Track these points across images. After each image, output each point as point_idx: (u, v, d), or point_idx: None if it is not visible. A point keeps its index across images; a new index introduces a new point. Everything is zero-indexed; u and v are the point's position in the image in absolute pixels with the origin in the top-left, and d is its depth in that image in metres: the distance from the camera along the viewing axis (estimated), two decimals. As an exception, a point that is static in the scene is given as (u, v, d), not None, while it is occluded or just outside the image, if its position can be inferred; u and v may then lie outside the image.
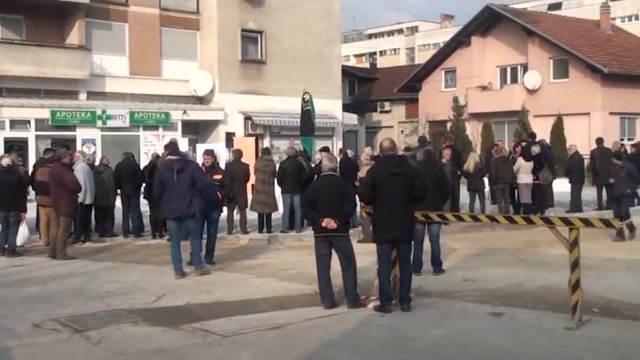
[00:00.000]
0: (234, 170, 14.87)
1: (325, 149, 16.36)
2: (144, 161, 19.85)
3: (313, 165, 15.82)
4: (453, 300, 8.45)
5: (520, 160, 16.55)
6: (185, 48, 28.92)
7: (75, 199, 12.60)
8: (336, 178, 8.41)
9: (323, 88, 29.42)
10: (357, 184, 12.39)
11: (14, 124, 24.17)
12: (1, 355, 6.58)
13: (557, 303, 7.94)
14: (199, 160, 15.64)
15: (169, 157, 10.85)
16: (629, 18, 58.03)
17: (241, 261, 11.85)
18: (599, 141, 18.90)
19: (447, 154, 14.53)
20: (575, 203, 17.47)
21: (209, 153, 12.42)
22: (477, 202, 16.82)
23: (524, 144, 18.03)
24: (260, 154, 16.90)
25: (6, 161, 13.13)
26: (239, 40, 29.18)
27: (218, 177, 11.97)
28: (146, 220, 14.96)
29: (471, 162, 16.78)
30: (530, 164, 16.43)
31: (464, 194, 16.76)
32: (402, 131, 41.19)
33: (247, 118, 29.12)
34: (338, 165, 8.89)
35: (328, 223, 7.89)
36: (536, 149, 17.10)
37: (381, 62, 67.60)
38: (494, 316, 7.64)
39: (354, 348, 6.58)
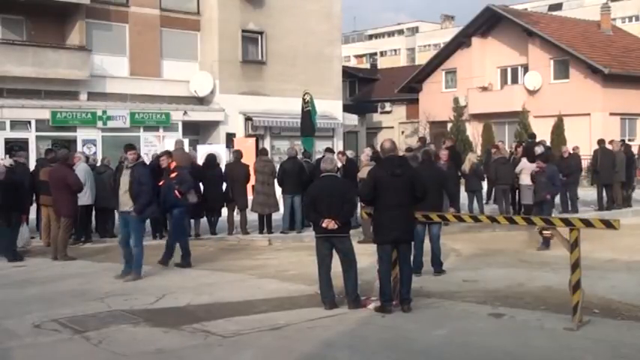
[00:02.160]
0: (233, 171, 14.89)
1: (329, 150, 16.35)
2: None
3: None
4: (453, 301, 8.46)
5: (524, 161, 16.51)
6: (185, 49, 28.91)
7: (76, 199, 12.61)
8: (336, 178, 8.43)
9: (323, 89, 29.39)
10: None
11: (15, 124, 24.15)
12: (1, 356, 6.59)
13: (557, 304, 7.94)
14: (199, 161, 15.72)
15: (142, 159, 10.81)
16: (630, 19, 58.07)
17: (241, 262, 11.85)
18: (601, 142, 18.90)
19: (444, 155, 14.49)
20: (573, 203, 17.49)
21: (165, 154, 12.23)
22: (476, 203, 16.81)
23: (524, 144, 18.03)
24: (258, 155, 16.88)
25: (9, 161, 13.17)
26: (239, 41, 29.17)
27: (173, 175, 11.72)
28: (147, 221, 14.96)
29: (467, 163, 16.76)
30: (534, 165, 16.38)
31: (462, 195, 16.73)
32: (403, 132, 41.21)
33: (248, 118, 29.11)
34: (336, 166, 8.89)
35: (328, 223, 7.90)
36: (538, 149, 17.08)
37: (382, 63, 67.69)
38: (495, 317, 7.64)
39: (355, 348, 6.58)
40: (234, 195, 14.68)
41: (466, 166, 16.63)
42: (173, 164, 11.83)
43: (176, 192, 11.45)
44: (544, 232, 12.25)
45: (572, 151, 18.75)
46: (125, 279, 10.10)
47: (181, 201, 11.57)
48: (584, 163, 23.73)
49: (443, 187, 10.41)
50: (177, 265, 11.19)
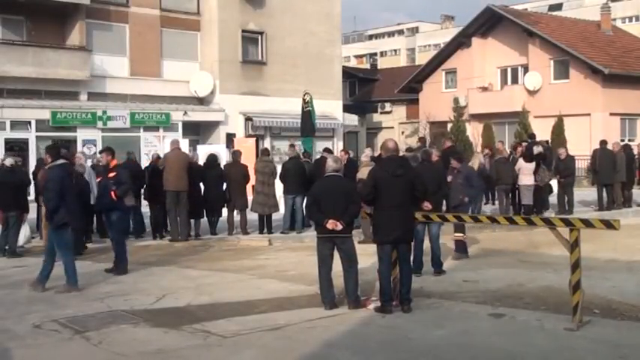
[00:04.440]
0: (231, 171, 14.88)
1: (328, 150, 16.36)
2: (144, 162, 19.86)
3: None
4: (453, 301, 8.46)
5: (520, 161, 16.54)
6: (186, 49, 28.93)
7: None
8: (340, 178, 8.38)
9: (323, 89, 29.42)
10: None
11: (15, 125, 24.16)
12: (1, 356, 6.59)
13: (557, 304, 7.94)
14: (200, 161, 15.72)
15: (61, 161, 9.82)
16: (630, 19, 58.10)
17: (242, 262, 11.85)
18: (603, 143, 18.88)
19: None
20: (570, 204, 17.50)
21: (105, 150, 11.62)
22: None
23: (524, 144, 18.04)
24: (259, 155, 16.90)
25: (9, 161, 13.15)
26: (240, 41, 29.19)
27: (112, 175, 11.13)
28: (147, 221, 15.00)
29: (476, 162, 16.70)
30: (531, 165, 16.41)
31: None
32: (403, 132, 41.21)
33: (248, 119, 29.12)
34: (342, 166, 8.88)
35: (333, 224, 7.89)
36: (537, 149, 17.11)
37: (382, 63, 67.71)
38: (495, 317, 7.64)
39: (355, 349, 6.58)
40: (231, 195, 14.68)
41: (474, 166, 16.54)
42: (114, 162, 11.24)
43: (112, 193, 10.84)
44: (455, 234, 11.47)
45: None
46: (56, 290, 9.33)
47: (117, 203, 10.92)
48: (585, 164, 23.80)
49: (442, 187, 10.40)
50: (107, 270, 10.65)
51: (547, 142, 19.68)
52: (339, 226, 7.90)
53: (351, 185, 8.72)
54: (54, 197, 9.34)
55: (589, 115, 31.12)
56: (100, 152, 11.77)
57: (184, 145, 19.35)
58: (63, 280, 10.26)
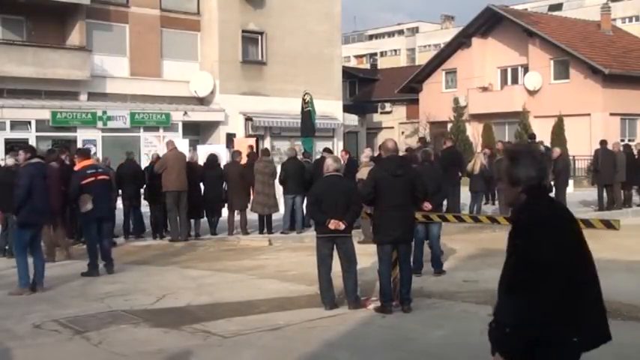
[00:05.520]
0: (231, 171, 14.88)
1: (328, 150, 16.35)
2: (144, 162, 19.86)
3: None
4: (453, 301, 8.46)
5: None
6: (186, 49, 28.91)
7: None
8: (340, 179, 8.38)
9: (323, 89, 29.39)
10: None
11: (15, 125, 24.13)
12: (1, 356, 6.59)
13: (557, 304, 7.92)
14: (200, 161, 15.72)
15: (35, 160, 9.74)
16: (630, 19, 58.08)
17: (242, 262, 11.86)
18: (603, 142, 18.88)
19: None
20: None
21: (76, 153, 11.41)
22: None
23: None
24: (259, 155, 16.89)
25: (10, 161, 13.14)
26: (240, 41, 29.17)
27: None
28: (147, 221, 14.99)
29: (478, 163, 16.66)
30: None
31: (467, 195, 16.68)
32: (403, 132, 41.21)
33: (248, 119, 29.11)
34: (343, 166, 8.88)
35: (336, 224, 7.88)
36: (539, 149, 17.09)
37: (382, 63, 67.70)
38: (495, 317, 7.62)
39: (355, 349, 6.58)
40: (230, 195, 14.67)
41: (476, 166, 16.51)
42: (80, 164, 10.93)
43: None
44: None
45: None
46: (8, 292, 9.35)
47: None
48: (585, 164, 23.80)
49: (441, 187, 10.38)
50: (83, 274, 10.55)
51: (542, 142, 19.65)
52: (342, 226, 7.90)
53: (351, 185, 8.72)
54: (22, 194, 9.33)
55: (589, 115, 31.13)
56: (75, 153, 11.65)
57: (184, 145, 19.36)
58: (62, 280, 10.28)
